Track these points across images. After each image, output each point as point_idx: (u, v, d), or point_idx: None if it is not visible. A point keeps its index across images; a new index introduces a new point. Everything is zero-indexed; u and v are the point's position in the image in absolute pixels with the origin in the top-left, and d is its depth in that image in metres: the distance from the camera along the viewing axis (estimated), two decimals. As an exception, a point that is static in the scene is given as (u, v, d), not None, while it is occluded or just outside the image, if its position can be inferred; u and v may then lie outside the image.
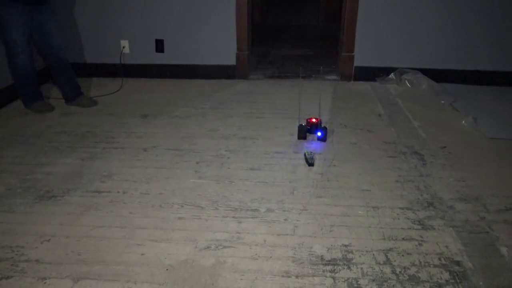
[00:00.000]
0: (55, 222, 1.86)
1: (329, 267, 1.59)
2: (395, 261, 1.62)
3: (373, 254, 1.65)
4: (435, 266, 1.59)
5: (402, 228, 1.81)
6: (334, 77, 3.94)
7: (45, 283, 1.52)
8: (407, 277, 1.54)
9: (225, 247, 1.70)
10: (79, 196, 2.05)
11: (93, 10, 3.71)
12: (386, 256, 1.64)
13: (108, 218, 1.88)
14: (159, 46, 3.80)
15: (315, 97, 3.01)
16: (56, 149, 2.53)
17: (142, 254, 1.66)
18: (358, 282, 1.52)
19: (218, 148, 2.54)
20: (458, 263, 1.61)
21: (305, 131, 2.64)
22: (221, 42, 3.76)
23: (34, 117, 3.01)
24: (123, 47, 3.79)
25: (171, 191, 2.10)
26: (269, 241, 1.73)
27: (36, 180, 2.20)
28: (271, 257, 1.64)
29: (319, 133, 2.60)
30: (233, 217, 1.89)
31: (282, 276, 1.55)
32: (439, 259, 1.63)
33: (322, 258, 1.63)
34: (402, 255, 1.65)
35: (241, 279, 1.53)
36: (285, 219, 1.87)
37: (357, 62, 3.77)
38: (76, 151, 2.50)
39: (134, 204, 1.99)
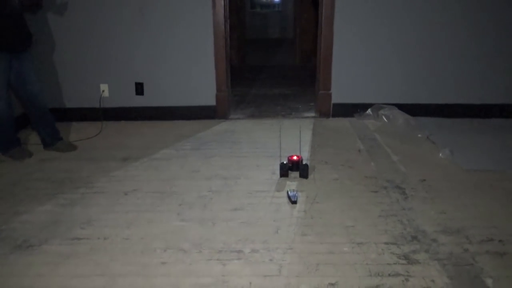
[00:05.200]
0: (32, 273, 1.78)
1: (317, 308, 1.56)
2: (382, 298, 1.60)
3: (361, 292, 1.64)
4: (423, 301, 1.58)
5: (388, 264, 1.80)
6: (312, 114, 4.01)
7: None
8: (396, 314, 1.52)
9: (210, 291, 1.66)
10: (58, 244, 1.99)
11: (71, 55, 3.73)
12: (374, 293, 1.63)
13: (88, 267, 1.82)
14: (139, 89, 3.82)
15: (295, 135, 3.05)
16: (33, 197, 2.47)
17: (124, 303, 1.60)
18: (347, 322, 1.49)
19: (200, 190, 2.52)
20: (445, 297, 1.60)
21: (287, 169, 2.65)
22: (201, 84, 3.81)
23: (11, 164, 2.95)
24: (103, 91, 3.80)
25: (153, 235, 2.06)
26: (255, 283, 1.70)
27: (13, 229, 2.12)
28: (257, 300, 1.61)
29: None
30: (218, 259, 1.86)
31: (270, 320, 1.51)
32: (426, 294, 1.62)
33: (309, 299, 1.61)
34: (390, 292, 1.64)
35: (228, 325, 1.49)
36: (271, 259, 1.85)
37: (335, 99, 3.86)
38: (55, 198, 2.44)
39: (115, 250, 1.94)
